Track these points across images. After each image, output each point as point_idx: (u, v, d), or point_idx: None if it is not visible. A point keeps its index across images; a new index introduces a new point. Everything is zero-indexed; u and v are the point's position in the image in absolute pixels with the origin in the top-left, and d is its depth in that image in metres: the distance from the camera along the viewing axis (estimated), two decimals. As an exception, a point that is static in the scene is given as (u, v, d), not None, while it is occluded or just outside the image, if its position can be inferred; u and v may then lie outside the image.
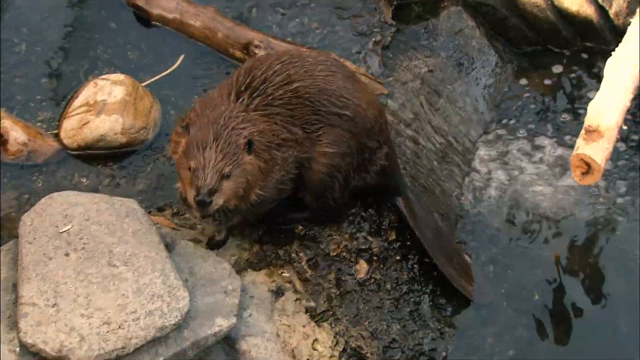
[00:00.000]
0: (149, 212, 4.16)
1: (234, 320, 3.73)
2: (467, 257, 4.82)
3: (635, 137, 5.64)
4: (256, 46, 4.96)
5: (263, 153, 3.83)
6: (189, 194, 3.68)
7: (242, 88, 3.89)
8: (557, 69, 6.05)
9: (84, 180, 4.44)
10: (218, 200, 3.67)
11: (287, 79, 3.93)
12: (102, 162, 4.53)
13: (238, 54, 5.01)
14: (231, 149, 3.68)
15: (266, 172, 3.86)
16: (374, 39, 5.32)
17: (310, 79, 3.98)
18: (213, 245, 4.11)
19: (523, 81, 6.00)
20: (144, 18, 5.14)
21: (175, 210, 4.33)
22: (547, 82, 6.00)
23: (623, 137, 5.49)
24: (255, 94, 3.88)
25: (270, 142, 3.86)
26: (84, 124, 4.49)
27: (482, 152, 5.52)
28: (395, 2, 5.59)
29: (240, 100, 3.85)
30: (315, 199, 4.16)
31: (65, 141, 4.51)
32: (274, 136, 3.88)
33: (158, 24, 5.13)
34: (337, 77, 4.06)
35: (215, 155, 3.65)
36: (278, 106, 3.91)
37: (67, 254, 3.54)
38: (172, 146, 3.92)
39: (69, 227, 3.65)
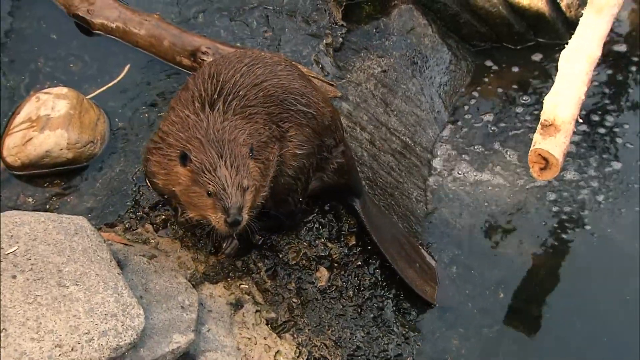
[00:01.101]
0: (99, 229, 4.13)
1: (192, 336, 3.72)
2: (431, 260, 4.87)
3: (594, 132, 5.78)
4: (204, 53, 4.96)
5: (259, 155, 3.86)
6: (216, 218, 3.68)
7: (215, 96, 3.88)
8: (513, 65, 6.16)
9: (30, 199, 4.39)
10: (246, 216, 3.69)
11: (256, 79, 3.97)
12: (49, 180, 4.48)
13: (185, 61, 5.01)
14: (240, 161, 3.70)
15: (265, 172, 3.91)
16: (324, 41, 5.35)
17: (275, 78, 4.04)
18: (230, 254, 4.12)
19: (479, 78, 6.09)
20: (86, 28, 5.10)
21: (127, 226, 4.30)
22: (504, 78, 6.10)
23: (580, 131, 5.62)
24: (229, 99, 3.89)
25: (259, 141, 3.90)
26: (27, 141, 4.44)
27: (440, 151, 5.58)
28: (344, 2, 5.64)
29: (217, 108, 3.85)
30: (277, 203, 4.18)
31: (8, 159, 4.45)
32: (260, 135, 3.91)
33: (101, 33, 5.09)
34: (296, 76, 4.14)
35: (228, 172, 3.66)
36: (254, 106, 3.94)
37: (14, 276, 3.49)
38: (163, 179, 3.87)
39: (15, 248, 3.60)
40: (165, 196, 4.01)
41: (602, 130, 5.77)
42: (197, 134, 3.75)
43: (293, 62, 4.61)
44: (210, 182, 3.64)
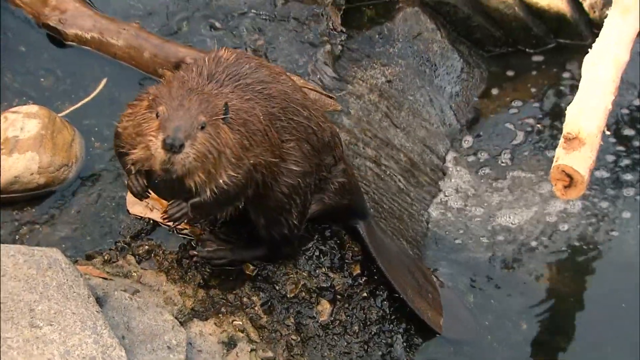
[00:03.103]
0: (75, 262, 4.13)
1: (180, 379, 3.71)
2: (439, 287, 4.86)
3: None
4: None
5: (240, 127, 3.81)
6: (154, 143, 3.57)
7: (219, 69, 3.90)
8: (531, 71, 6.18)
9: (-3, 229, 4.39)
10: (190, 151, 3.56)
11: (263, 77, 4.01)
12: (18, 207, 4.47)
13: (168, 74, 5.01)
14: (209, 105, 3.65)
15: (242, 149, 3.81)
16: (323, 49, 5.37)
17: (280, 85, 4.07)
18: (216, 263, 4.19)
19: (494, 87, 6.11)
20: (57, 39, 5.11)
21: (106, 258, 4.29)
22: (521, 86, 6.12)
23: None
24: (232, 79, 3.91)
25: (248, 119, 3.87)
26: (-6, 165, 4.45)
27: (453, 169, 5.58)
28: (344, 6, 5.66)
29: (215, 80, 3.86)
30: (270, 223, 4.17)
31: (-27, 185, 4.46)
32: (252, 116, 3.89)
33: (74, 44, 5.10)
34: (297, 88, 4.19)
35: (190, 103, 3.61)
36: (255, 99, 3.95)
37: (-19, 317, 3.49)
38: (129, 129, 3.74)
39: (-18, 285, 3.60)
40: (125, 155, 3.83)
41: (635, 143, 5.77)
42: (182, 81, 3.79)
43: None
44: (164, 104, 3.60)
